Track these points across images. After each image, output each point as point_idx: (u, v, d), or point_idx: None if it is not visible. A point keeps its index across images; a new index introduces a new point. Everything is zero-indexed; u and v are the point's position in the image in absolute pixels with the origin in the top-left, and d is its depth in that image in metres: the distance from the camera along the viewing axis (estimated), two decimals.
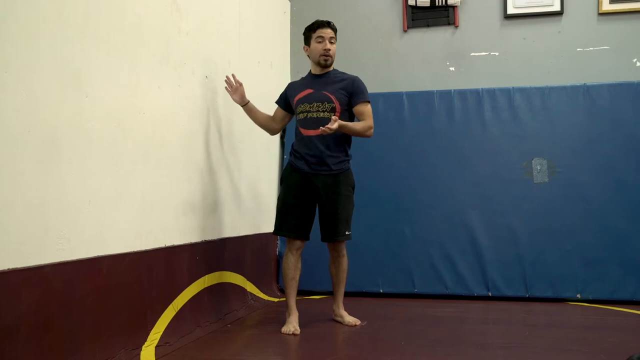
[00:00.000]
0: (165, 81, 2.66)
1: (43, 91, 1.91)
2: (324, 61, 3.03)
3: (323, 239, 3.07)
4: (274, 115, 3.25)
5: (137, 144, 2.43)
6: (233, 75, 3.16)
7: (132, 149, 2.39)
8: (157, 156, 2.59)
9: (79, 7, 2.09)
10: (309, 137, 2.98)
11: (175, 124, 2.75)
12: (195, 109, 2.96)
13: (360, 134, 2.99)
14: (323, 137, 2.94)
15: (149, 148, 2.52)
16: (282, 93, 3.22)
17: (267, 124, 3.25)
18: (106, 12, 2.24)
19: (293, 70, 4.52)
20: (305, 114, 3.01)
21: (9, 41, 1.78)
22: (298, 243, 3.02)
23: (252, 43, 3.75)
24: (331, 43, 3.03)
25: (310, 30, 3.07)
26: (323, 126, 2.81)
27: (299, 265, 3.05)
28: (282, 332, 2.90)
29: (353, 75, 3.07)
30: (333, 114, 2.96)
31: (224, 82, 3.16)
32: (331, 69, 3.10)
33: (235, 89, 3.17)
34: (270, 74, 4.11)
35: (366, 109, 3.01)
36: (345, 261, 3.11)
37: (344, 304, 3.17)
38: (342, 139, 3.02)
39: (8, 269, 1.76)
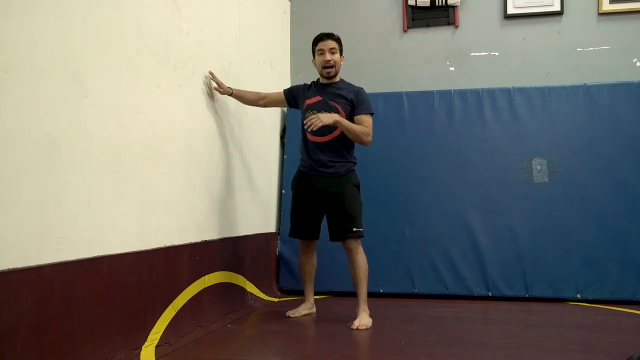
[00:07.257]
0: (165, 81, 2.66)
1: (43, 91, 1.91)
2: (327, 74, 3.13)
3: (331, 239, 3.13)
4: (270, 95, 3.36)
5: (137, 144, 2.43)
6: (211, 73, 3.10)
7: (132, 149, 2.39)
8: (157, 156, 2.59)
9: (79, 7, 2.08)
10: (315, 142, 3.11)
11: (175, 123, 2.75)
12: (195, 109, 2.96)
13: (357, 137, 3.06)
14: (327, 143, 3.08)
15: (149, 148, 2.52)
16: (298, 87, 3.28)
17: (255, 102, 3.36)
18: (106, 13, 2.24)
19: (293, 71, 4.52)
20: None
21: (9, 41, 1.78)
22: (308, 242, 3.26)
23: (252, 43, 3.75)
24: (332, 54, 3.10)
25: (313, 44, 3.18)
26: (328, 133, 3.04)
27: (313, 262, 3.32)
28: (286, 314, 3.26)
29: (358, 87, 3.17)
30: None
31: (213, 85, 3.13)
32: (338, 79, 3.18)
33: (220, 85, 3.15)
34: (270, 74, 4.11)
35: (367, 119, 3.10)
36: (361, 259, 3.06)
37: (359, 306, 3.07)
38: (345, 144, 3.12)
39: (8, 269, 1.75)
